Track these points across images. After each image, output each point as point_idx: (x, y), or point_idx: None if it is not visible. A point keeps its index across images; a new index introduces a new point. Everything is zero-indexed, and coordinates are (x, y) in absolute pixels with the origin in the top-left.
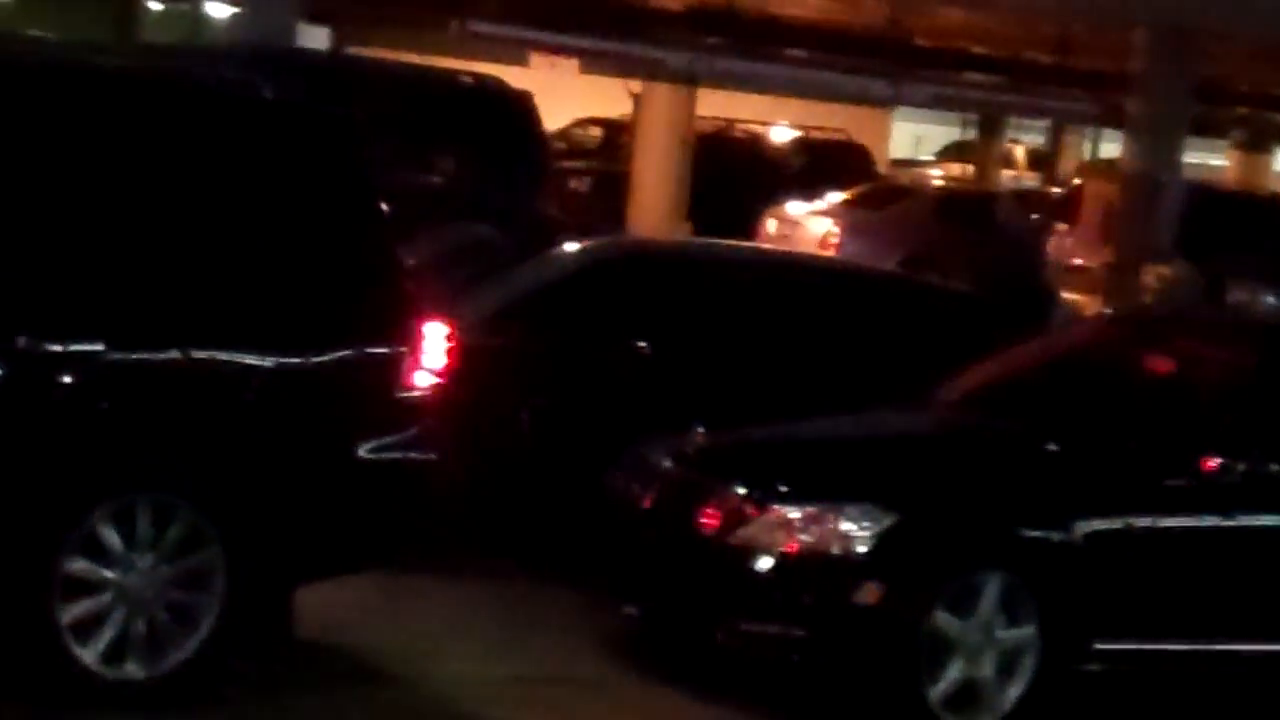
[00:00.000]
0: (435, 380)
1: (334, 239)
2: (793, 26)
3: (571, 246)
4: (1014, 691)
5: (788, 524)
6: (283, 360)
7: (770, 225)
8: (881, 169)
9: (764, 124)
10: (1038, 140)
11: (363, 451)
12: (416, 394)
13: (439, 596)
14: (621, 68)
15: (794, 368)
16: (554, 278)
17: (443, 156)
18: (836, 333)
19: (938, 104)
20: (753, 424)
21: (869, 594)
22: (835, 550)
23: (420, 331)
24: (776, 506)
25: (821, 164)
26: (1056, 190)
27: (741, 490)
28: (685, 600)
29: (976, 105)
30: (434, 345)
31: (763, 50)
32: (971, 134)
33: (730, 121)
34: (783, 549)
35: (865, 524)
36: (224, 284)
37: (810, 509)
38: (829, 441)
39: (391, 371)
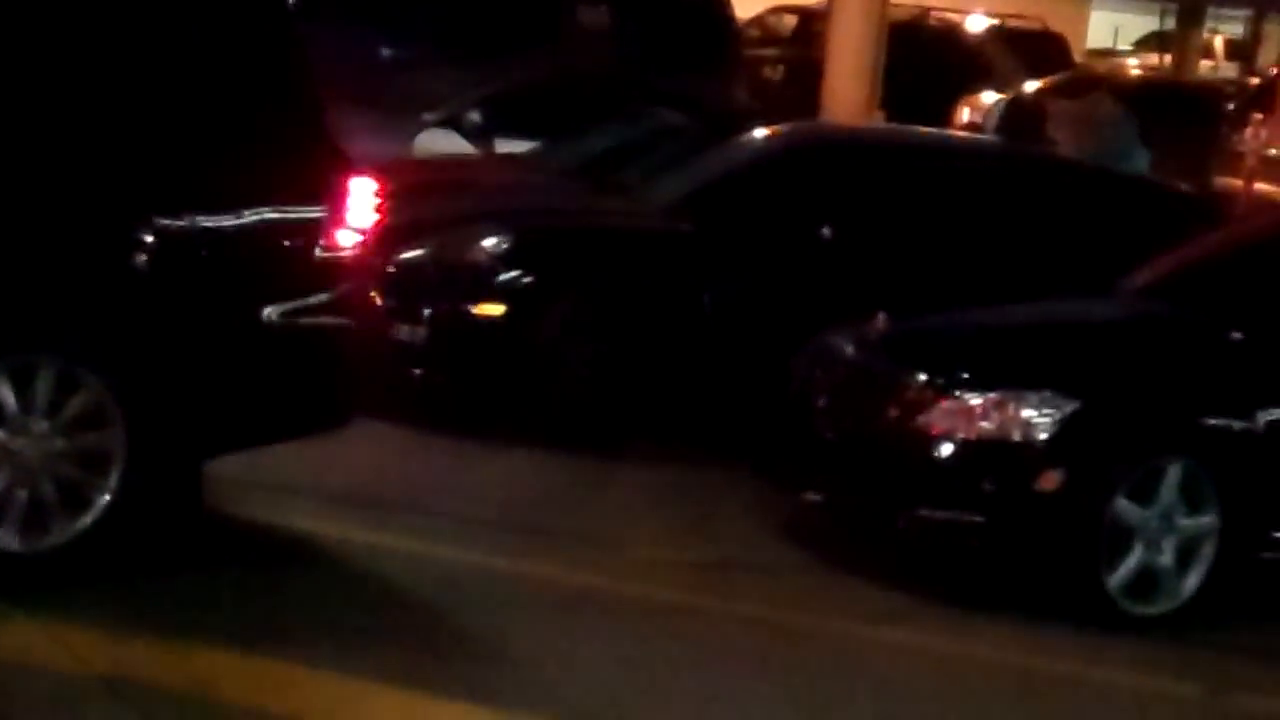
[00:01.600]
0: (359, 239)
1: (252, 96)
2: None
3: (758, 132)
4: (1193, 580)
5: (969, 410)
6: (192, 221)
7: (964, 113)
8: (1078, 59)
9: (959, 12)
10: (1236, 30)
11: (271, 317)
12: (337, 255)
13: (621, 481)
14: None
15: (979, 254)
16: (740, 163)
17: (630, 43)
18: (1023, 219)
19: None
20: (936, 311)
21: (1049, 480)
22: (1016, 437)
23: (344, 189)
24: (958, 393)
25: (1017, 53)
26: (1255, 80)
27: (923, 377)
28: (866, 487)
29: None
30: (360, 203)
31: None
32: (1170, 24)
33: (925, 9)
34: (963, 435)
35: (1047, 410)
36: (129, 136)
37: (991, 395)
38: (1011, 329)
39: (310, 233)
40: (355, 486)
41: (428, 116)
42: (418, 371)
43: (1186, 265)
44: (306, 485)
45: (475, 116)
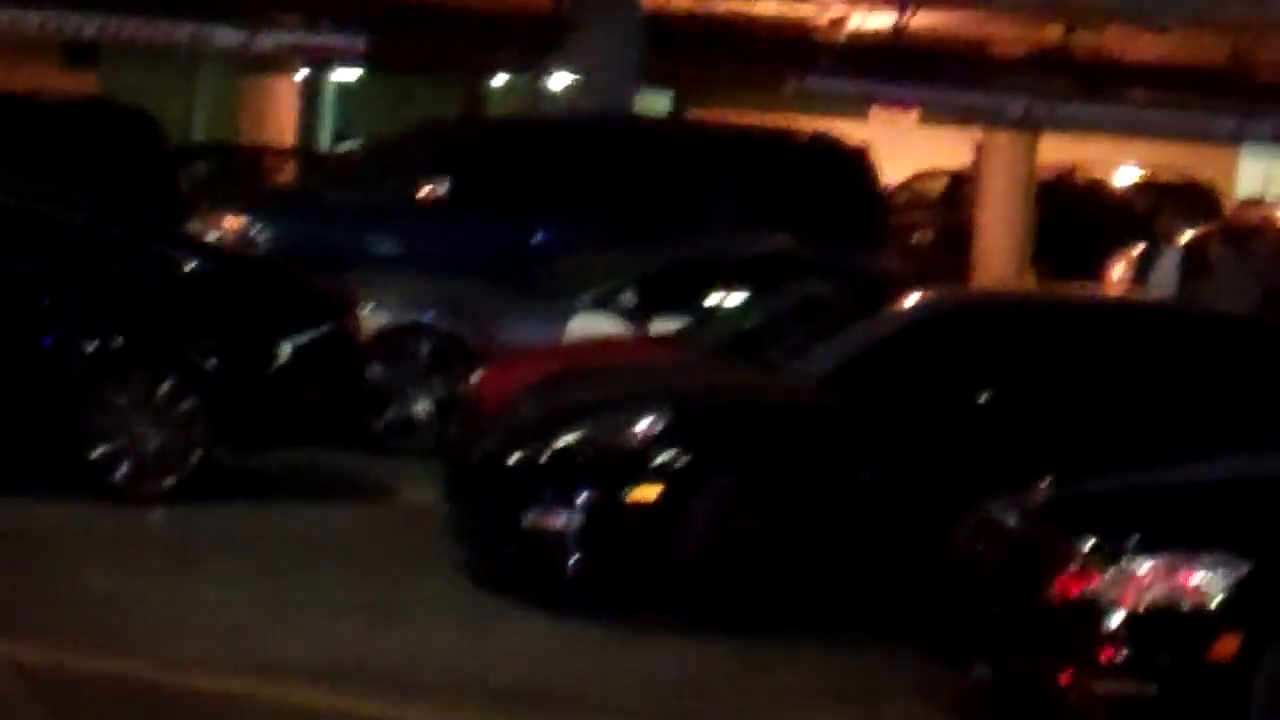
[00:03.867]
0: None
1: None
2: (1133, 67)
3: (908, 300)
4: None
5: (1138, 577)
6: None
7: (1117, 269)
8: (1228, 207)
9: (1109, 167)
10: None
11: None
12: None
13: (783, 665)
14: (961, 117)
15: (1141, 415)
16: (893, 332)
17: (780, 215)
18: (1184, 377)
19: None
20: (1099, 475)
21: (1225, 648)
22: (1187, 603)
23: None
24: (1125, 559)
25: (1167, 206)
26: None
27: (1090, 543)
28: (1035, 660)
29: None
30: None
31: (1103, 92)
32: None
33: (1073, 166)
34: (1133, 603)
35: (1219, 573)
36: None
37: (1161, 559)
38: (1178, 488)
39: None
40: (516, 680)
41: (582, 300)
42: (574, 560)
43: None
44: (470, 681)
45: (630, 297)
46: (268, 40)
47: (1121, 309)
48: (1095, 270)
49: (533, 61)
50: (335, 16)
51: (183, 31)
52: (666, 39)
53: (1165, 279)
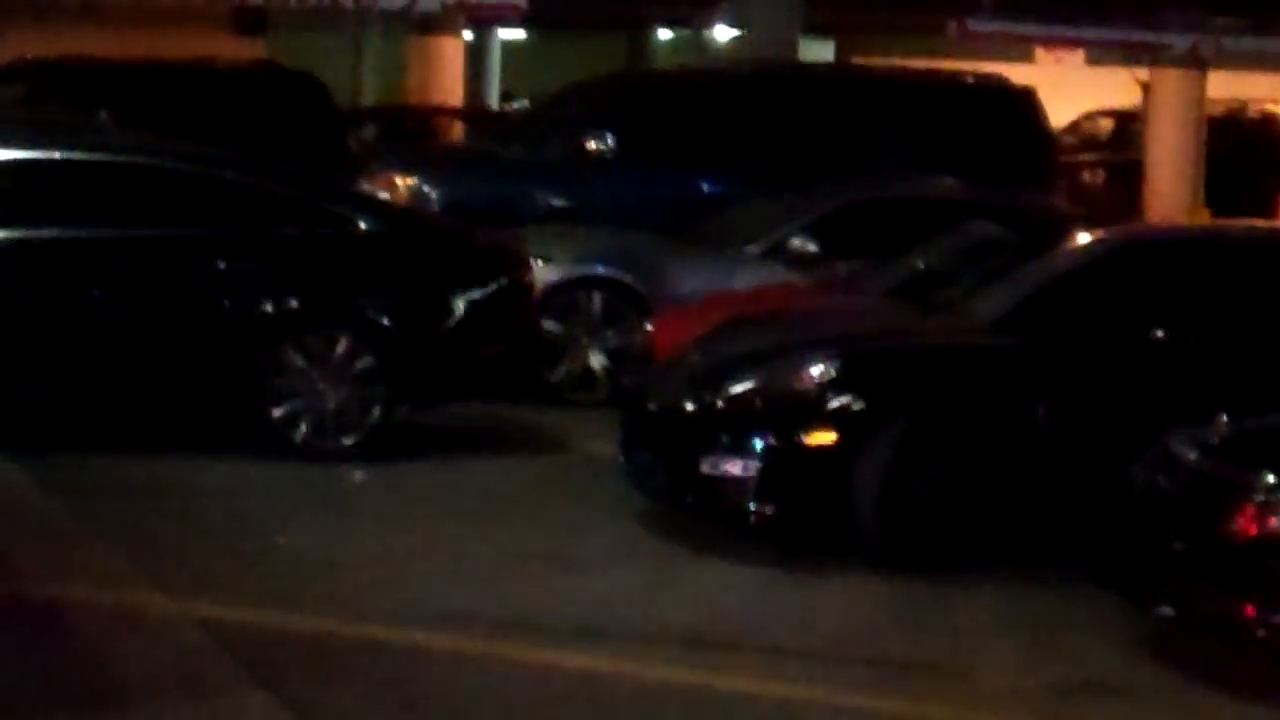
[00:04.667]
0: None
1: None
2: None
3: (1080, 239)
4: None
5: None
6: None
7: None
8: None
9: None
10: None
11: None
12: None
13: (963, 606)
14: (1128, 56)
15: None
16: (1064, 272)
17: (950, 157)
18: None
19: None
20: (1277, 410)
21: None
22: None
23: None
24: None
25: None
26: None
27: (1271, 478)
28: (1219, 597)
29: None
30: None
31: (1273, 26)
32: None
33: (1244, 102)
34: None
35: None
36: None
37: None
38: None
39: None
40: (699, 627)
41: (750, 248)
42: (753, 505)
43: None
44: (640, 629)
45: (799, 243)
46: (431, 2)
47: None
48: (1268, 207)
49: (695, 15)
50: None
51: None
52: None
53: None
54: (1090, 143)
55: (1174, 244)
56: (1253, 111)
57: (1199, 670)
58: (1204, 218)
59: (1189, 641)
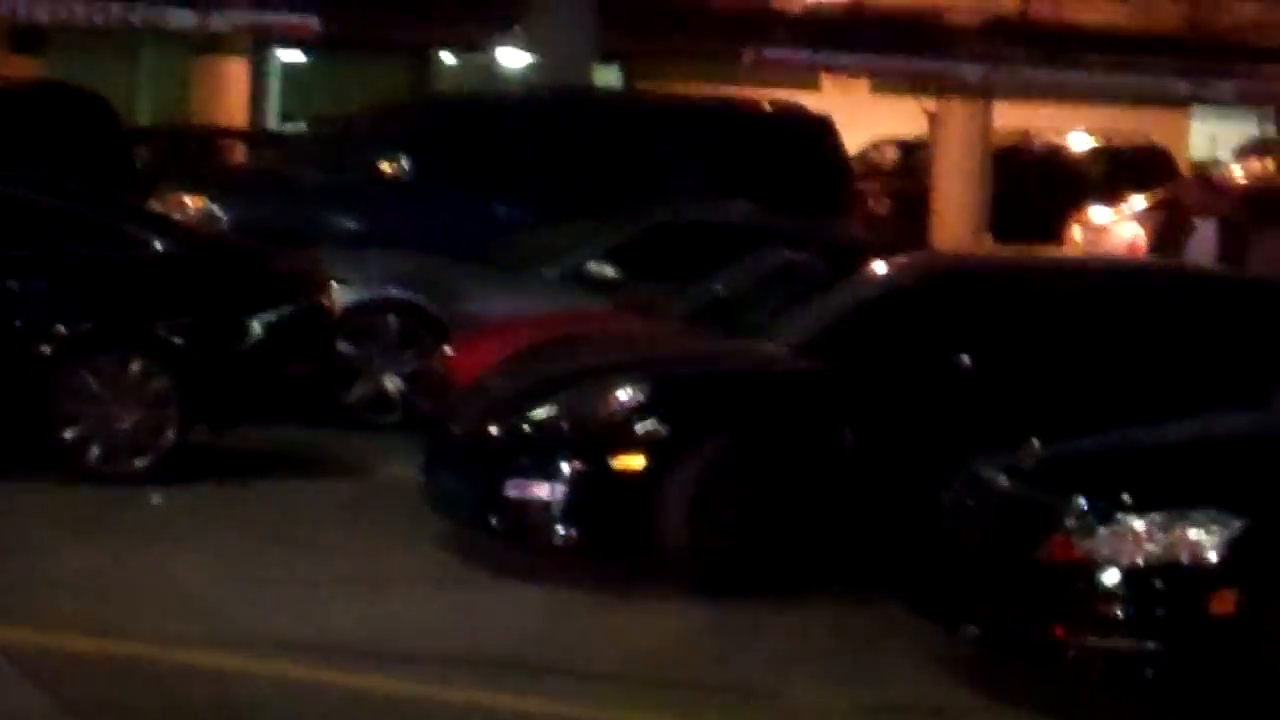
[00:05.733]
0: None
1: None
2: (1089, 33)
3: (885, 265)
4: None
5: (1133, 534)
6: None
7: (1075, 233)
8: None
9: (1061, 133)
10: None
11: None
12: None
13: (772, 628)
14: (915, 85)
15: (1122, 374)
16: (871, 297)
17: (748, 184)
18: (1164, 335)
19: (1242, 100)
20: (1087, 434)
21: (1223, 602)
22: (1185, 559)
23: None
24: (1120, 517)
25: (1122, 170)
26: None
27: (1082, 503)
28: (1028, 619)
29: None
30: None
31: (1059, 58)
32: (1268, 130)
33: (1028, 132)
34: (1129, 561)
35: (1214, 530)
36: None
37: (1155, 517)
38: (1169, 447)
39: None
40: (500, 652)
41: (549, 272)
42: (559, 529)
43: None
44: (448, 653)
45: (598, 268)
46: (221, 21)
47: (1098, 269)
48: (1052, 237)
49: (486, 40)
50: None
51: (136, 15)
52: (615, 14)
53: (1202, 252)
54: (876, 171)
55: (982, 272)
56: (1037, 142)
57: (1008, 692)
58: (988, 247)
59: (998, 664)
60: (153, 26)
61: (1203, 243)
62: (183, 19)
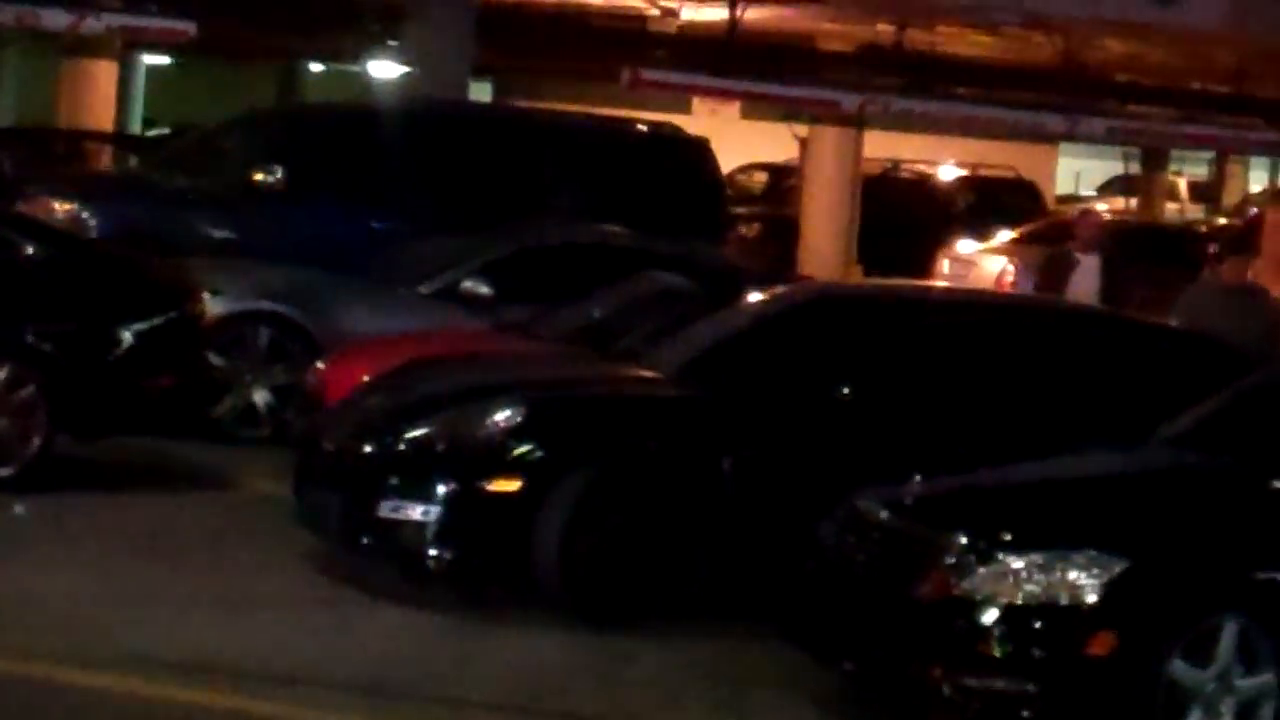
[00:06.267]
0: None
1: None
2: (962, 65)
3: (763, 292)
4: None
5: (1013, 574)
6: None
7: (944, 265)
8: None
9: (929, 163)
10: (1200, 172)
11: None
12: None
13: (648, 659)
14: (787, 111)
15: (1000, 408)
16: (748, 325)
17: (624, 203)
18: (1042, 370)
19: (1113, 138)
20: (968, 470)
21: (1101, 645)
22: (1063, 600)
23: None
24: (1000, 556)
25: (990, 202)
26: (1223, 221)
27: (963, 540)
28: (906, 655)
29: (1153, 138)
30: None
31: (933, 89)
32: (1133, 168)
33: (896, 162)
34: (1008, 600)
35: (1094, 571)
36: None
37: (1035, 557)
38: (1050, 485)
39: None
40: (372, 676)
41: (423, 289)
42: (432, 550)
43: (1221, 413)
44: (319, 675)
45: (472, 286)
46: (96, 24)
47: (975, 301)
48: (918, 266)
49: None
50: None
51: (7, 14)
52: (489, 28)
53: (1085, 288)
54: (745, 196)
55: (861, 301)
56: (906, 171)
57: None
58: (856, 275)
59: (873, 701)
60: (25, 26)
61: (1086, 278)
62: (56, 20)
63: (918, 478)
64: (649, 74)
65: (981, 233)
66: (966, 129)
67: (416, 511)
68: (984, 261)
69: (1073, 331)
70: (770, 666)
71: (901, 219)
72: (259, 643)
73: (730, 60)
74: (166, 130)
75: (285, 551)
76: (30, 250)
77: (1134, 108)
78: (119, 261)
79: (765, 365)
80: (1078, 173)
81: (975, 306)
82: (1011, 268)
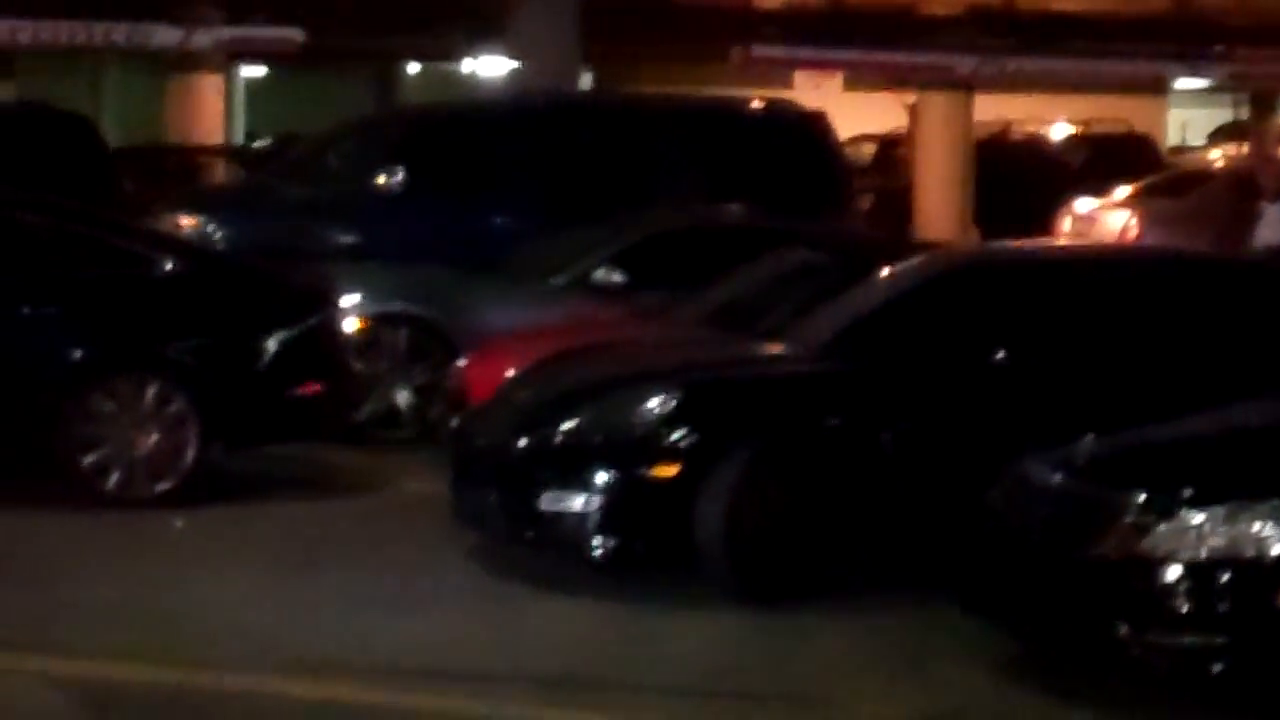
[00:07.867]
0: None
1: None
2: (1070, 19)
3: (908, 262)
4: None
5: (1195, 529)
6: None
7: (1065, 223)
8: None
9: (1040, 122)
10: None
11: None
12: None
13: (821, 636)
14: (892, 80)
15: (1161, 365)
16: (895, 296)
17: (745, 184)
18: (1200, 322)
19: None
20: (1141, 426)
21: None
22: (1249, 552)
23: None
24: (1181, 512)
25: (1104, 158)
26: None
27: (1142, 497)
28: (1089, 617)
29: (1274, 80)
30: None
31: (1043, 47)
32: (1243, 114)
33: (1008, 123)
34: (1192, 555)
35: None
36: None
37: (1217, 510)
38: (1226, 438)
39: None
40: (547, 665)
41: (555, 281)
42: (596, 540)
43: None
44: (503, 669)
45: (605, 275)
46: (205, 38)
47: (1122, 257)
48: (1037, 227)
49: (456, 48)
50: (265, 11)
51: (119, 33)
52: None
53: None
54: (854, 168)
55: (1012, 264)
56: (1017, 133)
57: (1066, 693)
58: (975, 239)
59: (1054, 664)
60: (137, 45)
61: (1272, 225)
62: (166, 36)
63: (1090, 436)
64: (760, 50)
65: (1099, 189)
66: (1080, 85)
67: (577, 502)
68: (1106, 217)
69: (1223, 282)
70: (946, 636)
71: (1017, 180)
72: (431, 641)
73: (839, 31)
74: (269, 141)
75: (448, 550)
76: (168, 266)
77: (1249, 50)
78: (255, 272)
79: (918, 335)
80: (1184, 123)
81: (1127, 264)
82: (1134, 221)
